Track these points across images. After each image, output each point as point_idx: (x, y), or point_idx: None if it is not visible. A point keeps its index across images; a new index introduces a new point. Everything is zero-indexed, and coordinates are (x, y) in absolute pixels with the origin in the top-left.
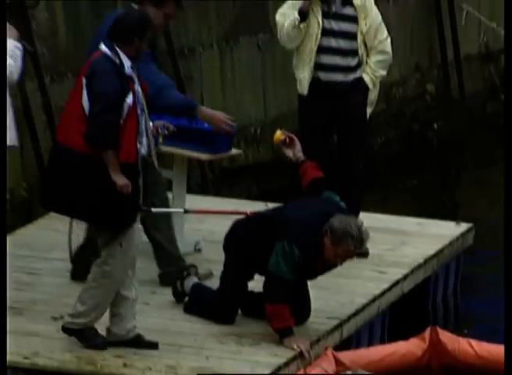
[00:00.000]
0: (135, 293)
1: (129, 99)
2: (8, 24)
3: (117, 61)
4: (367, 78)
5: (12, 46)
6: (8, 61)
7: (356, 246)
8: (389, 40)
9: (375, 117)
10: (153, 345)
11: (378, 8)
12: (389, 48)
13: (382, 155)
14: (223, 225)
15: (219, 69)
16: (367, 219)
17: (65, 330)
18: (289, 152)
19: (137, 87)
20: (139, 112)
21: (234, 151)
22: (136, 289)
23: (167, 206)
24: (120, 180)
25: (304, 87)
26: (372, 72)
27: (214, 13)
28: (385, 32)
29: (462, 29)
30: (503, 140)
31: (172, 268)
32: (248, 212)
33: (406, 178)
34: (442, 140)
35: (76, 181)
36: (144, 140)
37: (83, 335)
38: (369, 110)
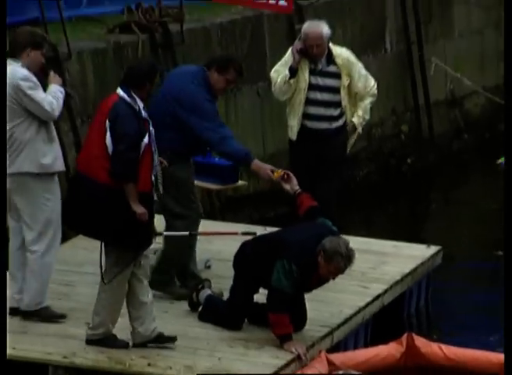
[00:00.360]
0: (151, 296)
1: (146, 139)
2: (52, 72)
3: (136, 107)
4: (356, 120)
5: (56, 89)
6: (51, 100)
7: (345, 263)
8: (376, 84)
9: (357, 153)
10: (173, 339)
11: (360, 61)
12: (376, 90)
13: (363, 186)
14: (230, 245)
15: (224, 113)
16: (351, 241)
17: (89, 341)
18: (287, 186)
19: (151, 128)
20: (153, 149)
21: (240, 182)
22: (151, 293)
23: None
24: (139, 209)
25: (293, 134)
26: (363, 114)
27: None
28: (372, 79)
29: (431, 79)
30: (465, 172)
31: (163, 277)
32: (239, 232)
33: (384, 206)
34: (414, 173)
35: (100, 208)
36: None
37: (106, 343)
38: (348, 149)
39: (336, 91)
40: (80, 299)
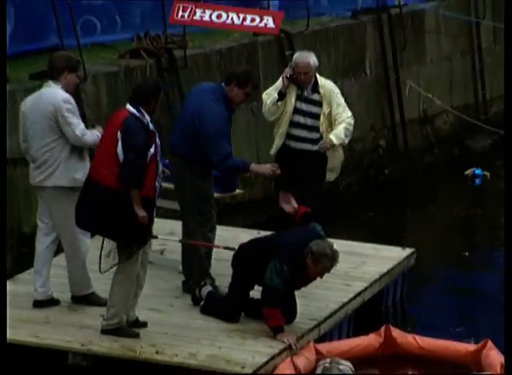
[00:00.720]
0: (141, 290)
1: (152, 149)
2: (98, 127)
3: (144, 121)
4: (332, 137)
5: (96, 132)
6: (85, 130)
7: (331, 263)
8: (352, 118)
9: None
10: (144, 324)
11: (343, 84)
12: (353, 123)
13: (345, 194)
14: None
15: None
16: (335, 244)
17: (104, 331)
18: (288, 208)
19: (157, 140)
20: (158, 158)
21: (237, 191)
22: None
23: None
24: (141, 212)
25: (273, 150)
26: (337, 133)
27: None
28: (349, 111)
29: (406, 99)
30: (435, 183)
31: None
32: (221, 246)
33: (364, 212)
34: (391, 183)
35: (110, 210)
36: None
37: (119, 332)
38: (334, 175)
39: (317, 117)
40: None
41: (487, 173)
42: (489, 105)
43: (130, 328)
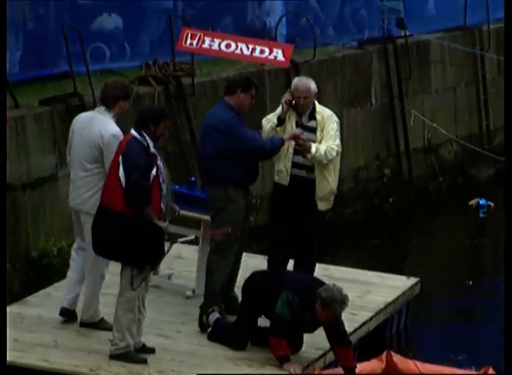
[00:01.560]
0: (145, 315)
1: (154, 171)
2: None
3: (145, 143)
4: (313, 144)
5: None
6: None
7: (341, 308)
8: (340, 147)
9: (345, 193)
10: (151, 351)
11: (348, 113)
12: (336, 150)
13: (350, 222)
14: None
15: None
16: (340, 272)
17: (113, 357)
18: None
19: (159, 162)
20: (161, 180)
21: None
22: (145, 312)
23: None
24: (161, 223)
25: (283, 179)
26: (318, 147)
27: None
28: (339, 142)
29: (411, 129)
30: (439, 211)
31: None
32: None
33: (369, 240)
34: (395, 211)
35: (116, 233)
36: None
37: (127, 357)
38: (325, 204)
39: (313, 142)
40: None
41: (491, 204)
42: (493, 135)
43: (138, 354)
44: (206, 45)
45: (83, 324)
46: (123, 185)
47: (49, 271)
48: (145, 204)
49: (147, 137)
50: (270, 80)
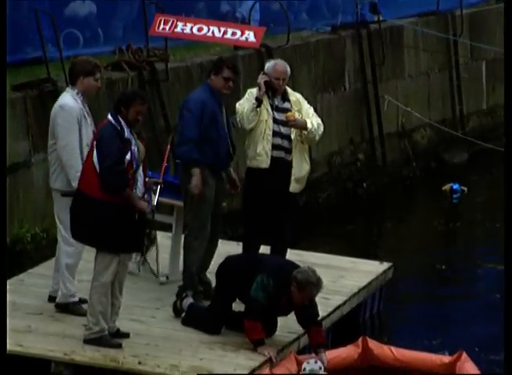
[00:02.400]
0: (120, 299)
1: (128, 156)
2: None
3: (119, 128)
4: (308, 120)
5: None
6: (71, 139)
7: (317, 290)
8: (322, 126)
9: (319, 178)
10: (126, 335)
11: (322, 97)
12: (321, 130)
13: (324, 207)
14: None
15: None
16: (313, 257)
17: (87, 341)
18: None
19: (133, 148)
20: (134, 166)
21: None
22: (121, 298)
23: None
24: (140, 204)
25: (263, 162)
26: (313, 123)
27: None
28: (319, 119)
29: (384, 114)
30: (413, 196)
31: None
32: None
33: (342, 225)
34: (369, 196)
35: (89, 217)
36: (139, 189)
37: (101, 341)
38: (299, 186)
39: (288, 125)
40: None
41: (464, 188)
42: (466, 119)
43: (112, 338)
44: (178, 29)
45: (58, 306)
46: (98, 171)
47: (23, 257)
48: (122, 188)
49: (123, 122)
50: (244, 66)
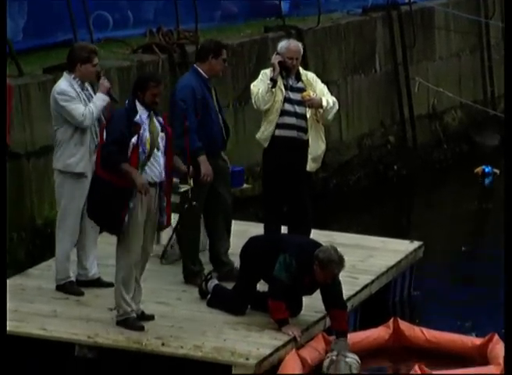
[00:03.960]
0: (139, 284)
1: (134, 140)
2: (102, 78)
3: (130, 110)
4: (323, 98)
5: (98, 98)
6: (83, 111)
7: (339, 268)
8: (337, 103)
9: (350, 160)
10: (151, 317)
11: (353, 79)
12: (336, 107)
13: (355, 189)
14: (239, 241)
15: (234, 122)
16: (343, 237)
17: (117, 322)
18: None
19: (143, 132)
20: (140, 150)
21: (246, 186)
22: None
23: None
24: (140, 179)
25: (265, 141)
26: (328, 101)
27: (230, 83)
28: (334, 98)
29: (415, 95)
30: (444, 179)
31: (195, 268)
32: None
33: (373, 206)
34: (400, 178)
35: (97, 197)
36: (153, 173)
37: (126, 323)
38: (315, 165)
39: (303, 104)
40: (103, 288)
41: (497, 171)
42: (498, 101)
43: (138, 320)
44: None
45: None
46: None
47: (53, 240)
48: (113, 165)
49: (139, 106)
50: (274, 48)
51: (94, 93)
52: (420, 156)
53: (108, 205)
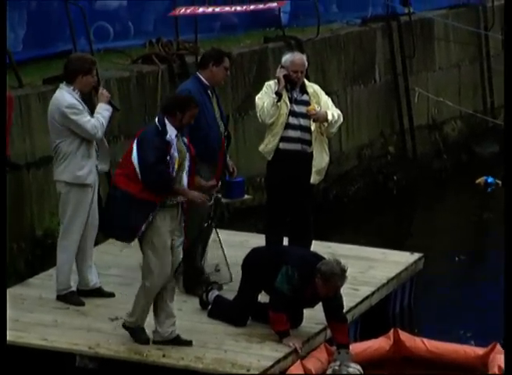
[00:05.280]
0: (174, 303)
1: (167, 158)
2: (101, 89)
3: (161, 129)
4: (328, 112)
5: (102, 109)
6: (94, 123)
7: (341, 281)
8: (341, 116)
9: (349, 171)
10: (188, 343)
11: (352, 90)
12: (341, 120)
13: (354, 200)
14: (237, 251)
15: (234, 133)
16: (342, 249)
17: (123, 326)
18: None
19: (173, 151)
20: (171, 168)
21: (246, 196)
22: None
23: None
24: (194, 194)
25: (268, 154)
26: (333, 114)
27: (230, 93)
28: (338, 110)
29: (415, 106)
30: (444, 189)
31: (195, 278)
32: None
33: (372, 217)
34: (399, 188)
35: (120, 209)
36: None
37: (133, 332)
38: (319, 178)
39: (308, 117)
40: (104, 297)
41: (499, 182)
42: (497, 112)
43: (144, 333)
44: (199, 11)
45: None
46: (138, 171)
47: (54, 250)
48: (168, 186)
49: (169, 125)
50: (273, 58)
51: (86, 104)
52: (420, 167)
53: (128, 215)
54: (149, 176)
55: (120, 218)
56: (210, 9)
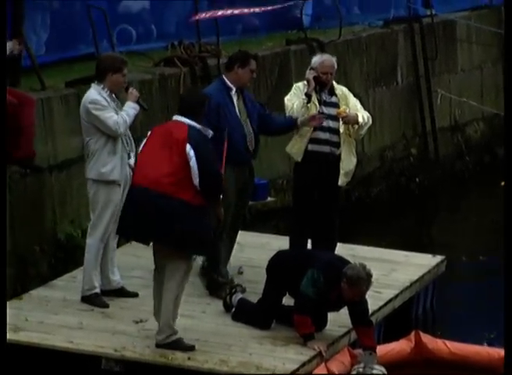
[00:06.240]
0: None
1: None
2: (130, 89)
3: (205, 133)
4: (359, 114)
5: (129, 107)
6: (116, 119)
7: (367, 286)
8: (370, 118)
9: (372, 173)
10: (191, 347)
11: (374, 92)
12: (370, 123)
13: (377, 202)
14: (260, 253)
15: None
16: (365, 251)
17: (159, 345)
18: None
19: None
20: None
21: (269, 199)
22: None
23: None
24: (221, 209)
25: (298, 156)
26: (364, 117)
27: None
28: (366, 112)
29: (437, 108)
30: (466, 190)
31: (219, 280)
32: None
33: (395, 219)
34: (422, 190)
35: (176, 219)
36: None
37: (175, 346)
38: (346, 180)
39: (337, 119)
40: (128, 299)
41: None
42: None
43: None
44: (219, 14)
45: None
46: (195, 176)
47: (76, 253)
48: (220, 193)
49: (203, 127)
50: (295, 61)
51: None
52: (442, 168)
53: (197, 225)
54: (213, 183)
55: (189, 230)
56: (229, 12)
